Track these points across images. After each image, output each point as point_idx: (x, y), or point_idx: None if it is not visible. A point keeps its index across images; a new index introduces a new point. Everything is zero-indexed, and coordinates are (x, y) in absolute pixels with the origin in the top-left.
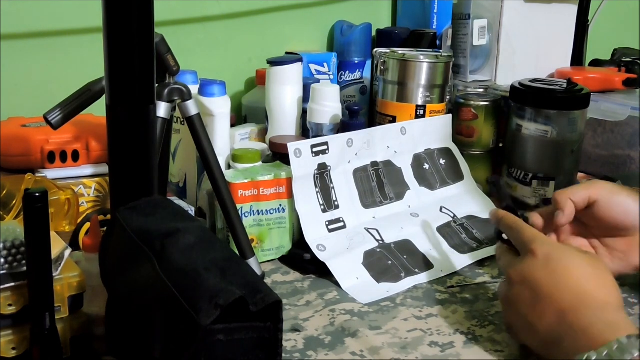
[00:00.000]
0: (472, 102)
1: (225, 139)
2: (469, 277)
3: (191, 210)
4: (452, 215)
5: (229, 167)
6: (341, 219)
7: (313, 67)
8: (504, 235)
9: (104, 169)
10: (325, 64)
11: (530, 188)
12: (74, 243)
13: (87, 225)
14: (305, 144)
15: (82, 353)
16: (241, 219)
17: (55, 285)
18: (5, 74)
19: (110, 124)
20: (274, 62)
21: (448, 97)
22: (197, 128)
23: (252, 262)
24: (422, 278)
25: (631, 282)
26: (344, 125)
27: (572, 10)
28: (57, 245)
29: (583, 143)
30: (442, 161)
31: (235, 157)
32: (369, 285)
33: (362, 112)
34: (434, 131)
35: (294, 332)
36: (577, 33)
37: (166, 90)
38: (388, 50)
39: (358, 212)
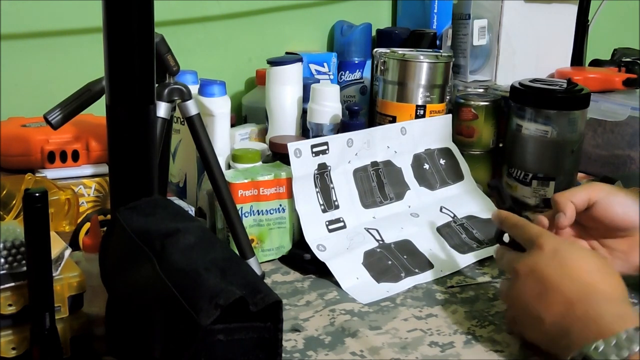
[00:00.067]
0: (472, 102)
1: (225, 139)
2: (469, 277)
3: (191, 210)
4: (452, 215)
5: (229, 167)
6: (341, 219)
7: (313, 67)
8: (505, 238)
9: (104, 169)
10: (325, 64)
11: (530, 188)
12: (74, 243)
13: (87, 225)
14: (305, 144)
15: (82, 353)
16: (241, 219)
17: (55, 285)
18: (5, 74)
19: (110, 124)
20: (274, 62)
21: (448, 97)
22: (197, 128)
23: (252, 262)
24: (422, 278)
25: (632, 282)
26: (344, 125)
27: (572, 10)
28: (57, 245)
29: (583, 143)
30: (442, 161)
31: (235, 157)
32: (369, 285)
33: (362, 112)
34: (434, 131)
35: (294, 332)
36: (577, 33)
37: (166, 90)
38: (388, 50)
39: (358, 212)
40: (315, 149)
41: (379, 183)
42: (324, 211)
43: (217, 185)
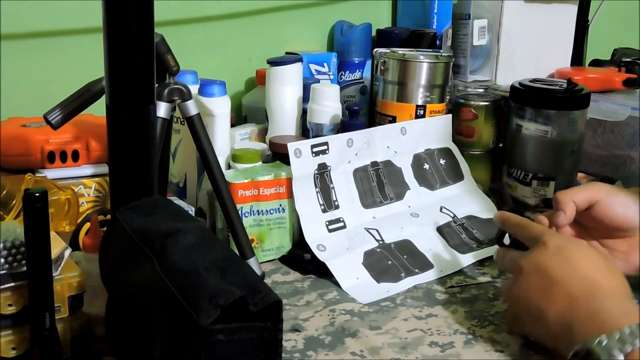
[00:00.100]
0: (472, 102)
1: (225, 139)
2: (469, 277)
3: (191, 210)
4: (452, 215)
5: (229, 167)
6: (341, 219)
7: (313, 67)
8: (505, 240)
9: (104, 169)
10: (325, 64)
11: (530, 188)
12: (74, 243)
13: (87, 225)
14: (305, 144)
15: (82, 353)
16: (241, 219)
17: (55, 285)
18: (5, 74)
19: (110, 124)
20: (274, 62)
21: (448, 97)
22: (197, 128)
23: (252, 262)
24: (422, 278)
25: (632, 282)
26: (344, 125)
27: (572, 10)
28: (57, 245)
29: (583, 143)
30: (442, 161)
31: (235, 157)
32: (369, 285)
33: (362, 112)
34: (434, 131)
35: (294, 332)
36: (577, 33)
37: (166, 90)
38: (388, 50)
39: (358, 212)
40: (315, 149)
41: (379, 183)
42: (324, 211)
43: (217, 185)
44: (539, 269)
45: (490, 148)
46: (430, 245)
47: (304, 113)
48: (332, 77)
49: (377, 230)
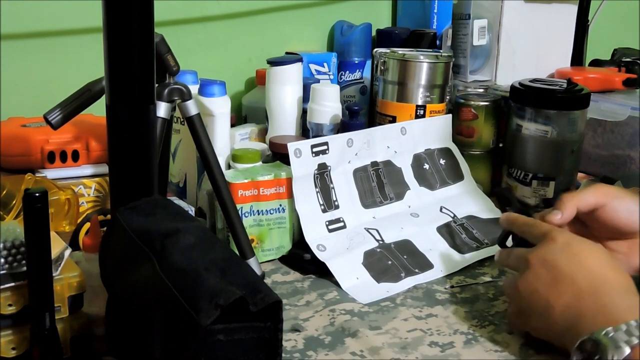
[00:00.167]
0: (472, 102)
1: (225, 139)
2: (469, 277)
3: (191, 210)
4: (452, 215)
5: (229, 167)
6: (341, 219)
7: (313, 67)
8: (508, 243)
9: (104, 169)
10: (325, 64)
11: (530, 188)
12: (74, 243)
13: (87, 225)
14: (305, 144)
15: (82, 353)
16: (241, 219)
17: (55, 285)
18: (5, 74)
19: (110, 124)
20: (274, 62)
21: (448, 97)
22: (197, 128)
23: (252, 262)
24: (422, 278)
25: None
26: (344, 125)
27: (572, 10)
28: (57, 245)
29: (583, 143)
30: (442, 161)
31: (235, 157)
32: (369, 285)
33: (362, 112)
34: (434, 131)
35: (294, 332)
36: (577, 33)
37: (166, 90)
38: (388, 50)
39: (358, 212)
40: (315, 149)
41: (379, 183)
42: (324, 211)
43: (217, 185)
44: (546, 262)
45: (490, 148)
46: (430, 245)
47: (304, 113)
48: (332, 77)
49: (377, 230)
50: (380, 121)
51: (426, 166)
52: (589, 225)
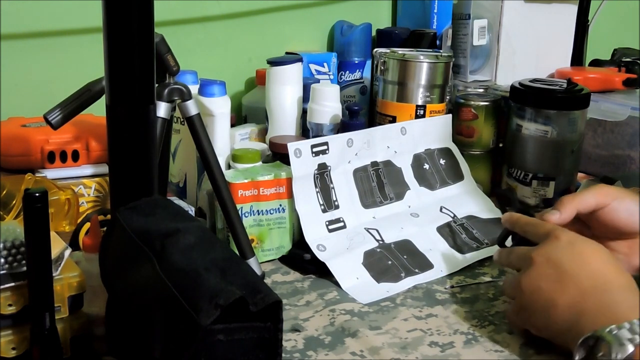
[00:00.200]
0: (472, 102)
1: (225, 139)
2: (469, 277)
3: (191, 210)
4: (452, 215)
5: (229, 167)
6: (341, 219)
7: (313, 67)
8: (507, 243)
9: (104, 169)
10: (325, 64)
11: (530, 188)
12: (74, 243)
13: (87, 225)
14: (305, 144)
15: (82, 353)
16: (241, 219)
17: (55, 285)
18: (5, 74)
19: (110, 124)
20: (274, 62)
21: (448, 97)
22: (197, 128)
23: (252, 262)
24: (422, 278)
25: None
26: (344, 125)
27: (572, 10)
28: (57, 245)
29: (583, 143)
30: (442, 161)
31: (235, 157)
32: (369, 285)
33: (362, 112)
34: (434, 131)
35: (294, 332)
36: (577, 33)
37: (166, 90)
38: (388, 50)
39: (358, 212)
40: (315, 149)
41: (379, 183)
42: (324, 211)
43: (217, 185)
44: (550, 260)
45: (490, 148)
46: (430, 245)
47: (304, 113)
48: (332, 77)
49: (377, 230)
50: (380, 121)
51: (426, 166)
52: (589, 226)
